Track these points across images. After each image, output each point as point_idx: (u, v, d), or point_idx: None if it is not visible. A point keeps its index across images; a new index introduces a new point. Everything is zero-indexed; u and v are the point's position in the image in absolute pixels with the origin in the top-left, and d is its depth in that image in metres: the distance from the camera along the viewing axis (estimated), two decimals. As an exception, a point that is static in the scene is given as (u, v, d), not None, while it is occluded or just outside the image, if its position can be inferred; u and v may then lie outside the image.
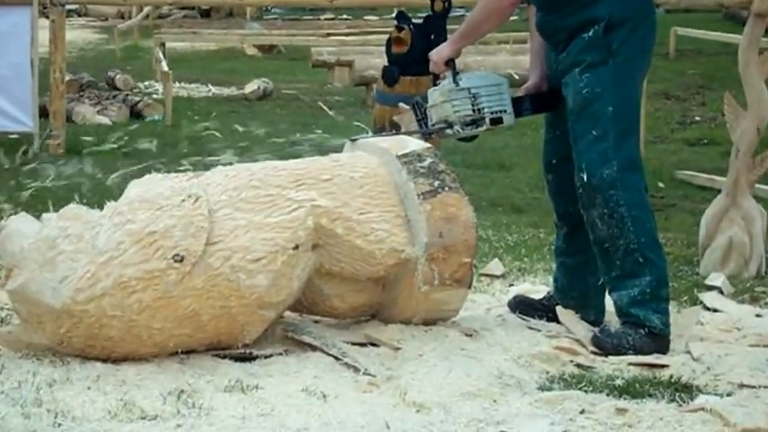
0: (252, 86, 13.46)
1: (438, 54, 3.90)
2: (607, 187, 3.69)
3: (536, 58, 4.01)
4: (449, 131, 3.85)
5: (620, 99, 3.74)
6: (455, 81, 3.82)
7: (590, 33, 3.73)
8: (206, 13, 25.72)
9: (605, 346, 3.67)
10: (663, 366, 3.54)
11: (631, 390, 3.31)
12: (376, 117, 6.54)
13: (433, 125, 3.87)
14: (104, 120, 10.75)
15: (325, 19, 23.92)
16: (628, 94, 3.78)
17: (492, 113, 3.83)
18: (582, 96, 3.75)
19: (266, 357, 3.47)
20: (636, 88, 3.85)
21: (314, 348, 3.52)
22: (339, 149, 4.01)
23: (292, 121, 11.38)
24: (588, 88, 3.73)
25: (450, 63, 3.87)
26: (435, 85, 3.88)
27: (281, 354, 3.50)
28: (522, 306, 4.04)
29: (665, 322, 3.72)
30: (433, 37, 4.73)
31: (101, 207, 3.56)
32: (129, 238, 3.34)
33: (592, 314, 3.94)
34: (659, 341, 3.69)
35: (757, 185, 5.45)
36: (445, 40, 4.08)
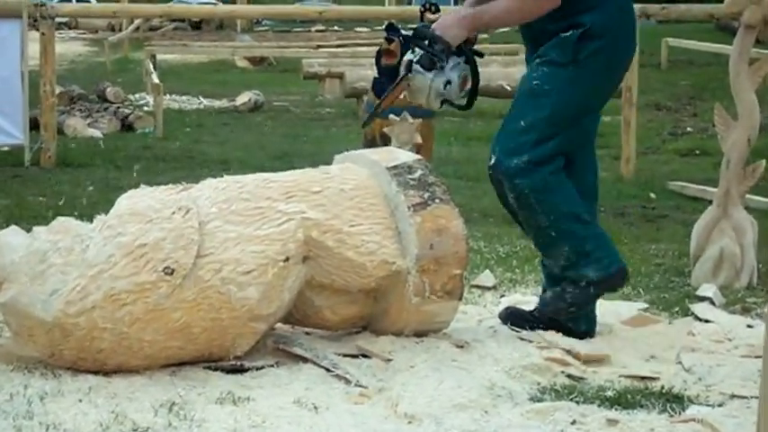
0: (243, 98, 13.48)
1: (453, 37, 3.78)
2: (512, 176, 3.78)
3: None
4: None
5: (563, 106, 3.79)
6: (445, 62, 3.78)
7: (566, 34, 3.79)
8: (197, 26, 25.77)
9: (544, 312, 3.85)
10: (654, 378, 3.54)
11: (622, 400, 3.31)
12: (366, 129, 6.56)
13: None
14: (95, 132, 10.75)
15: (316, 31, 23.98)
16: (572, 103, 3.81)
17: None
18: (530, 86, 3.82)
19: (257, 369, 3.47)
20: (583, 101, 3.86)
21: (305, 360, 3.52)
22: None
23: (284, 133, 11.39)
24: (539, 81, 3.80)
25: (463, 45, 3.79)
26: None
27: (272, 366, 3.50)
28: (513, 317, 4.04)
29: (599, 268, 3.83)
30: None
31: (91, 220, 3.55)
32: (120, 250, 3.34)
33: (582, 324, 3.95)
34: (605, 282, 3.85)
35: (748, 196, 5.47)
36: None
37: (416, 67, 3.78)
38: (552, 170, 3.83)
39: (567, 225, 3.84)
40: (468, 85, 3.88)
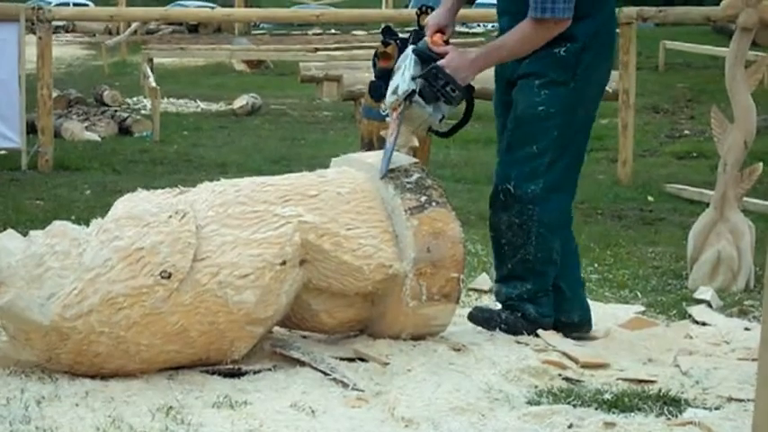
0: (240, 102, 13.48)
1: (463, 79, 3.76)
2: (528, 202, 3.82)
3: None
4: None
5: (567, 124, 3.83)
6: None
7: (562, 51, 3.77)
8: (194, 29, 25.80)
9: (477, 318, 3.92)
10: (651, 381, 3.54)
11: (620, 404, 3.31)
12: (363, 132, 6.56)
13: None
14: (93, 136, 10.75)
15: (314, 34, 23.99)
16: (574, 119, 3.85)
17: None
18: (536, 111, 3.80)
19: (255, 373, 3.47)
20: (583, 115, 3.89)
21: (302, 364, 3.52)
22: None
23: (281, 136, 11.38)
24: (544, 106, 3.80)
25: (470, 88, 3.80)
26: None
27: (269, 369, 3.50)
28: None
29: (540, 312, 3.91)
30: None
31: (88, 224, 3.55)
32: (117, 254, 3.34)
33: (575, 315, 3.99)
34: (534, 325, 3.90)
35: (746, 199, 5.47)
36: None
37: (418, 98, 3.76)
38: (559, 203, 3.86)
39: (545, 267, 3.92)
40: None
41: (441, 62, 3.78)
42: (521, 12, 3.80)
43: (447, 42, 3.90)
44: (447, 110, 3.81)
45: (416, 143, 6.39)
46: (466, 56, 3.80)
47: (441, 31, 3.90)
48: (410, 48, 3.86)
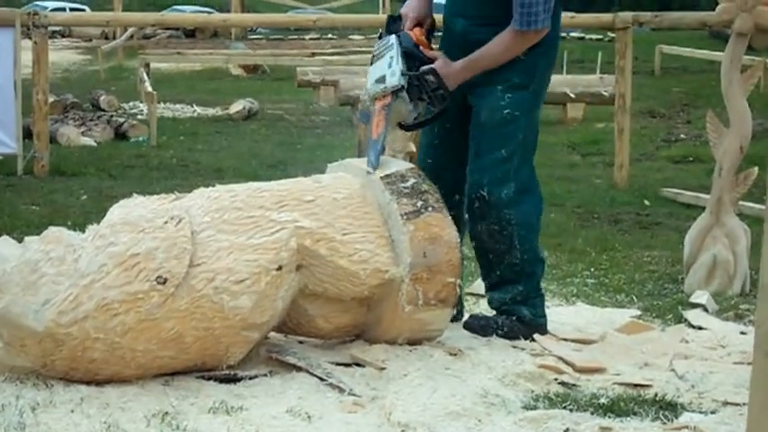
0: (237, 106, 13.48)
1: (451, 86, 3.83)
2: (503, 206, 3.88)
3: None
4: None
5: (529, 126, 3.94)
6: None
7: (523, 55, 3.86)
8: (191, 34, 25.79)
9: (473, 326, 3.95)
10: (647, 385, 3.54)
11: (616, 408, 3.31)
12: (361, 137, 6.57)
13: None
14: (89, 141, 10.74)
15: (310, 39, 24.00)
16: (534, 121, 3.98)
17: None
18: (501, 115, 3.88)
19: (251, 379, 3.46)
20: (537, 116, 4.03)
21: (298, 369, 3.51)
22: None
23: (278, 141, 11.38)
24: (509, 109, 3.88)
25: (450, 98, 3.85)
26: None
27: (265, 375, 3.49)
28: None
29: (534, 313, 3.97)
30: None
31: (84, 229, 3.55)
32: (112, 260, 3.33)
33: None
34: (529, 327, 3.94)
35: (741, 203, 5.48)
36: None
37: (404, 95, 3.83)
38: (532, 205, 3.95)
39: (533, 267, 3.98)
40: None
41: (436, 66, 3.83)
42: (482, 16, 3.88)
43: (429, 35, 3.96)
44: (423, 109, 3.89)
45: (413, 148, 6.39)
46: (453, 65, 3.87)
47: (420, 24, 3.96)
48: (392, 37, 3.88)
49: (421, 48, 3.89)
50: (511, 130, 3.88)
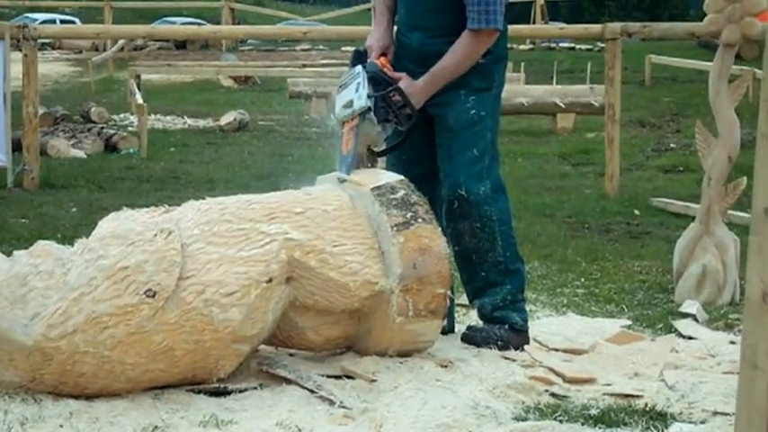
0: (228, 118, 13.47)
1: (417, 104, 3.92)
2: (482, 203, 3.96)
3: (382, 16, 4.16)
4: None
5: (494, 127, 4.06)
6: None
7: (482, 60, 3.96)
8: (181, 45, 25.80)
9: (475, 338, 3.97)
10: (637, 395, 3.54)
11: (606, 419, 3.31)
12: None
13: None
14: (79, 153, 10.73)
15: (301, 50, 24.02)
16: (497, 123, 4.10)
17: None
18: (468, 116, 3.97)
19: (241, 392, 3.46)
20: (499, 118, 4.13)
21: (289, 382, 3.51)
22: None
23: (269, 152, 11.38)
24: (475, 110, 3.98)
25: (416, 116, 3.93)
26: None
27: (255, 388, 3.49)
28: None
29: (524, 319, 4.05)
30: None
31: (74, 242, 3.54)
32: (101, 273, 3.33)
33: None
34: (521, 335, 4.00)
35: (731, 212, 5.49)
36: None
37: (371, 116, 3.91)
38: (507, 202, 4.04)
39: (516, 264, 4.04)
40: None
41: (401, 85, 3.93)
42: (439, 27, 3.95)
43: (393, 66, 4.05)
44: (391, 131, 3.97)
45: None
46: (417, 82, 3.95)
47: (384, 54, 4.06)
48: (359, 66, 3.99)
49: (386, 70, 3.99)
50: (480, 130, 3.98)
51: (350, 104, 3.94)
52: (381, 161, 4.20)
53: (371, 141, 3.98)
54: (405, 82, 3.94)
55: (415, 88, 3.93)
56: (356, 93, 3.92)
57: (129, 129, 12.61)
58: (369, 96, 3.89)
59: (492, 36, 3.92)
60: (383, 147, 4.04)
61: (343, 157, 3.94)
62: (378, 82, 3.94)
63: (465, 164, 3.96)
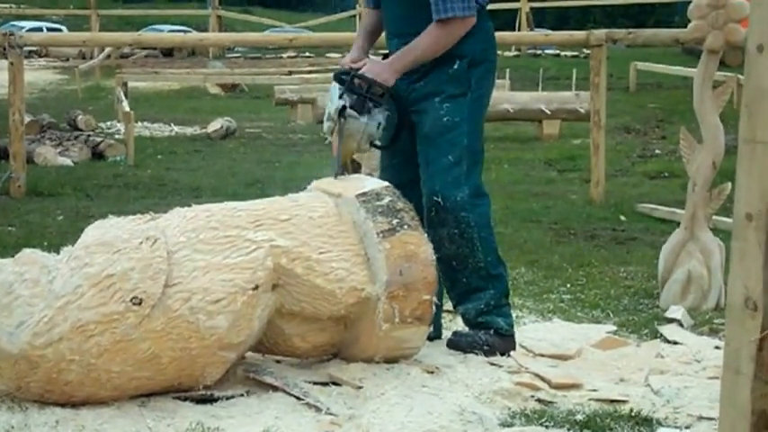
0: (215, 125, 13.46)
1: (386, 80, 3.94)
2: (459, 209, 3.96)
3: (359, 37, 4.22)
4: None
5: (473, 131, 4.03)
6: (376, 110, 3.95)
7: (454, 67, 3.98)
8: (168, 53, 25.78)
9: (460, 344, 3.99)
10: (623, 401, 3.55)
11: (592, 424, 3.32)
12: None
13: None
14: (66, 161, 10.70)
15: (288, 57, 24.03)
16: (478, 127, 4.07)
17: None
18: (442, 123, 3.99)
19: (227, 399, 3.46)
20: (482, 123, 4.12)
21: (275, 389, 3.51)
22: None
23: (256, 159, 11.38)
24: (449, 116, 3.98)
25: (389, 91, 3.96)
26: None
27: (242, 395, 3.49)
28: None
29: (509, 323, 4.06)
30: None
31: (60, 250, 3.54)
32: (87, 281, 3.33)
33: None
34: (507, 340, 4.02)
35: (715, 218, 5.51)
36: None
37: (350, 111, 3.93)
38: (487, 207, 4.05)
39: (498, 269, 4.05)
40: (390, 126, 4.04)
41: (362, 69, 3.97)
42: (414, 33, 3.97)
43: None
44: (383, 118, 3.96)
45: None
46: (381, 62, 4.00)
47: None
48: (335, 83, 4.04)
49: (348, 67, 4.03)
50: (454, 136, 3.97)
51: (329, 115, 3.99)
52: (372, 167, 4.21)
53: (366, 135, 3.96)
54: (367, 66, 3.98)
55: (380, 66, 3.96)
56: (330, 102, 3.98)
57: (116, 136, 12.59)
58: (339, 97, 3.93)
59: (462, 24, 3.92)
60: (385, 140, 4.05)
61: (332, 160, 3.98)
62: (344, 80, 3.97)
63: (441, 170, 3.97)
